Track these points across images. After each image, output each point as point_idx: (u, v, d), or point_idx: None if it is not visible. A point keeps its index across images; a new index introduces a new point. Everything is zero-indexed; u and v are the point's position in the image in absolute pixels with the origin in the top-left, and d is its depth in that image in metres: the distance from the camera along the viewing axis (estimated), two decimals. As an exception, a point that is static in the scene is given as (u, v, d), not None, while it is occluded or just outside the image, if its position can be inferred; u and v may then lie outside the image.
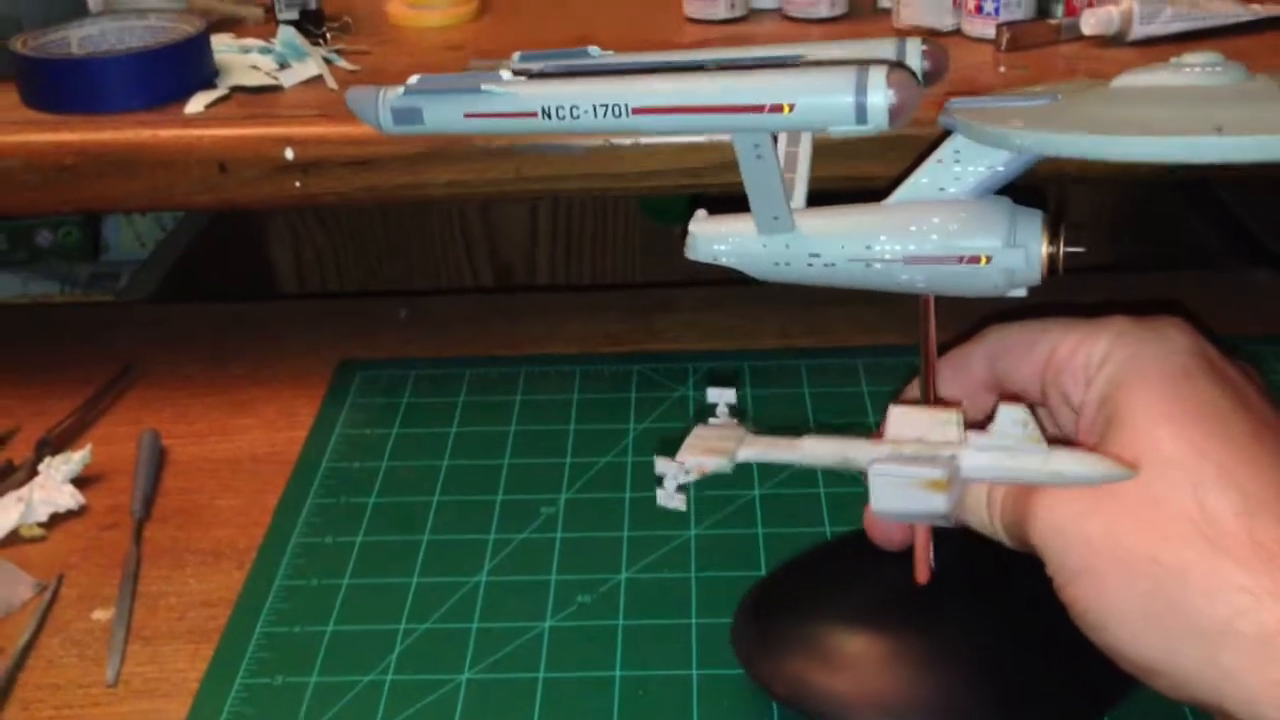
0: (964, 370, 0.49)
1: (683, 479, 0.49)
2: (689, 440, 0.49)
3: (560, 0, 0.92)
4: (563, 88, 0.44)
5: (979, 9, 0.76)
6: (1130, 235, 1.37)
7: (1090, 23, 0.73)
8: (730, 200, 0.48)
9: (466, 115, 0.45)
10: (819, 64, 0.44)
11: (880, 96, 0.39)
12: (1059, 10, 0.77)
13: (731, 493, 0.64)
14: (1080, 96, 0.43)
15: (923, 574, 0.50)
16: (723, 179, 0.67)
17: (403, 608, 0.58)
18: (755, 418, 0.71)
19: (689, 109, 0.42)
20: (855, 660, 0.50)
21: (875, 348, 0.77)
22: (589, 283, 1.44)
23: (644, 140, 0.67)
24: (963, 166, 0.44)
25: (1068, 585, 0.41)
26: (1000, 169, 0.44)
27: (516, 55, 0.50)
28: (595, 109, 0.43)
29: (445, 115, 0.45)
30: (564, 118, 0.43)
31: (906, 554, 0.51)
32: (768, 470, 0.66)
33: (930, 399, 0.49)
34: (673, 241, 1.63)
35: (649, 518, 0.63)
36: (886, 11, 0.81)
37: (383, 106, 0.46)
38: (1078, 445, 0.43)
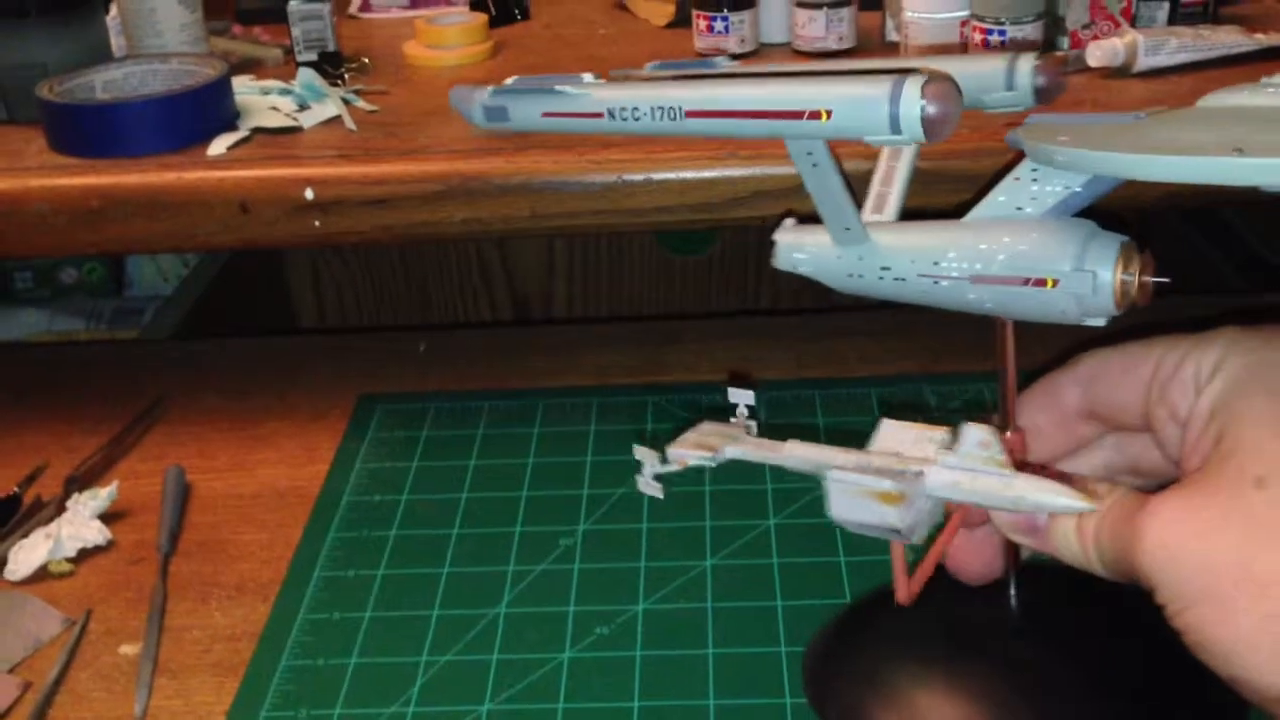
0: (1053, 397, 0.47)
1: (660, 469, 0.49)
2: (688, 434, 0.49)
3: (571, 39, 0.94)
4: (627, 91, 0.46)
5: (985, 42, 0.77)
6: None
7: (1095, 55, 0.74)
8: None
9: (544, 114, 0.49)
10: (864, 73, 0.43)
11: (914, 107, 0.39)
12: (1065, 43, 0.78)
13: (747, 523, 0.65)
14: (1163, 118, 0.41)
15: (901, 594, 0.47)
16: (733, 214, 0.68)
17: (424, 640, 0.59)
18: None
19: (737, 114, 0.43)
20: (928, 706, 0.48)
21: (889, 378, 0.77)
22: (605, 314, 1.45)
23: (656, 176, 0.68)
24: (1040, 186, 0.42)
25: (1185, 612, 0.38)
26: (1078, 189, 0.42)
27: (649, 65, 0.53)
28: (653, 111, 0.45)
29: (527, 114, 0.50)
30: (626, 119, 0.46)
31: (989, 589, 0.49)
32: (783, 500, 0.66)
33: (1009, 427, 0.47)
34: (688, 272, 1.64)
35: (666, 548, 0.64)
36: (895, 45, 0.83)
37: (477, 105, 0.50)
38: (1047, 470, 0.43)
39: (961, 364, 0.78)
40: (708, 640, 0.58)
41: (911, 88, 0.39)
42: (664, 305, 1.44)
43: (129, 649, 0.60)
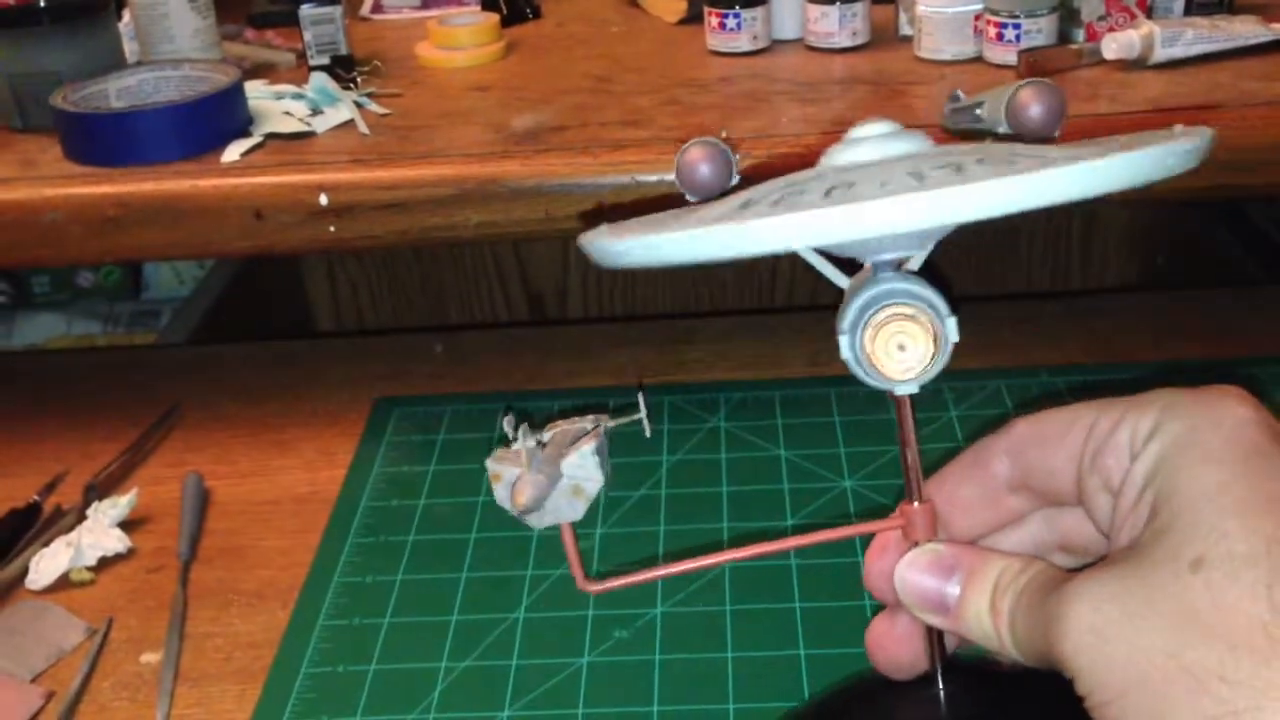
0: (981, 468, 0.43)
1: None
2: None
3: (584, 38, 0.94)
4: None
5: (1000, 36, 0.76)
6: (1163, 252, 1.37)
7: (1112, 47, 0.74)
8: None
9: None
10: None
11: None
12: (1080, 35, 0.78)
13: (765, 525, 0.65)
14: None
15: (577, 580, 0.44)
16: (749, 214, 0.68)
17: (443, 645, 0.59)
18: (786, 447, 0.72)
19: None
20: None
21: (905, 374, 0.77)
22: (620, 309, 1.45)
23: (669, 176, 0.68)
24: None
25: (1109, 705, 0.34)
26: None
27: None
28: None
29: None
30: None
31: (917, 692, 0.44)
32: (800, 502, 0.66)
33: (913, 500, 0.42)
34: (701, 266, 1.63)
35: (684, 550, 0.64)
36: (909, 40, 0.82)
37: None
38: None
39: (979, 360, 0.78)
40: (727, 644, 0.58)
41: None
42: (678, 299, 1.44)
43: (150, 657, 0.60)
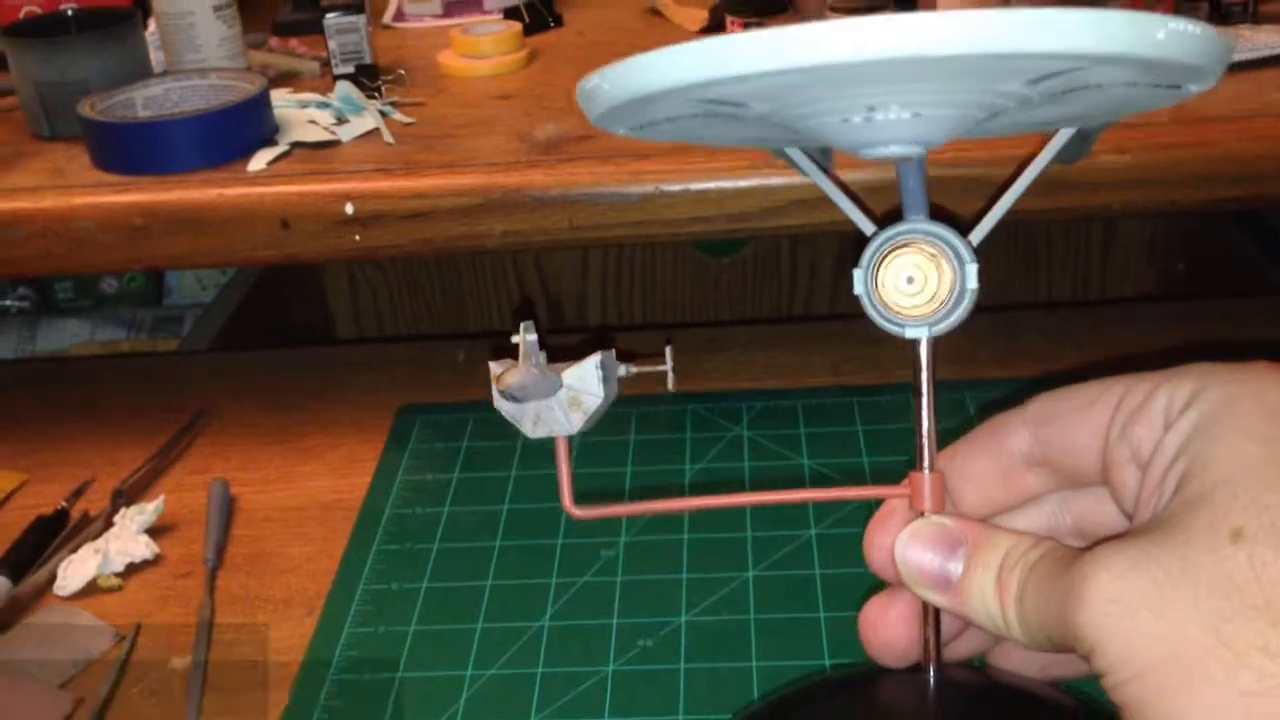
0: (998, 439, 0.41)
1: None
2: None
3: (606, 44, 0.94)
4: None
5: (1023, 46, 0.76)
6: (1183, 260, 1.36)
7: (1135, 57, 0.74)
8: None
9: None
10: None
11: None
12: (1103, 44, 0.78)
13: (788, 534, 0.65)
14: None
15: (564, 500, 0.43)
16: (770, 223, 0.68)
17: (469, 653, 0.59)
18: (809, 456, 0.72)
19: None
20: None
21: (928, 383, 0.77)
22: (639, 316, 1.45)
23: (693, 186, 0.68)
24: None
25: (1131, 682, 0.32)
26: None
27: None
28: None
29: None
30: None
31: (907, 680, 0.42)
32: (824, 511, 0.66)
33: (923, 467, 0.40)
34: (722, 274, 1.63)
35: (707, 560, 0.64)
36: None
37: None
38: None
39: (1000, 369, 0.78)
40: (751, 652, 0.58)
41: None
42: (698, 307, 1.44)
43: (178, 663, 0.60)
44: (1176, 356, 0.38)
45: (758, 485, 0.70)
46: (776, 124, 0.36)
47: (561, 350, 0.43)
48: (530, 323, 0.41)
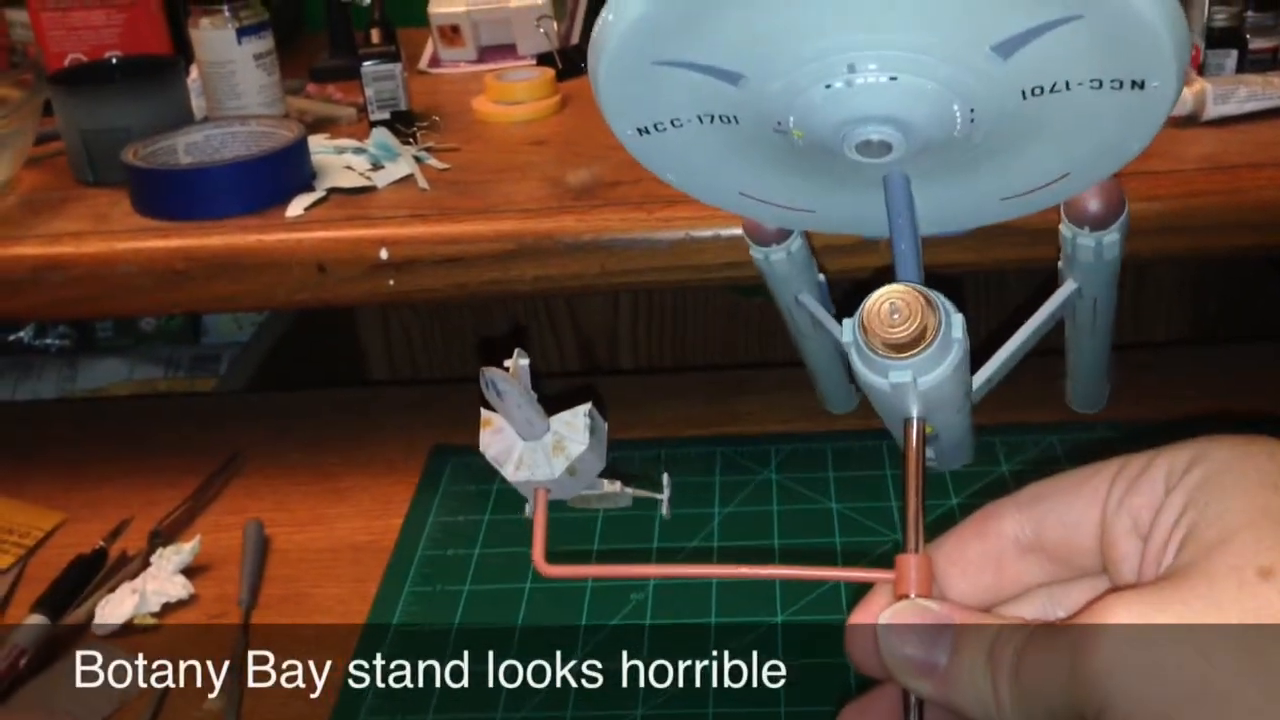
0: (990, 524, 0.39)
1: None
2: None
3: (639, 91, 0.95)
4: None
5: (1051, 93, 0.77)
6: (1214, 303, 1.36)
7: (1163, 104, 0.74)
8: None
9: None
10: None
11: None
12: (1132, 91, 0.78)
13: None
14: None
15: (535, 554, 0.42)
16: (802, 270, 0.69)
17: (499, 697, 0.59)
18: (837, 500, 0.72)
19: None
20: None
21: (957, 427, 0.77)
22: (670, 357, 1.46)
23: (724, 232, 0.69)
24: None
25: None
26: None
27: None
28: None
29: None
30: None
31: None
32: (852, 556, 0.67)
33: (909, 549, 0.39)
34: (753, 313, 1.63)
35: (736, 603, 0.64)
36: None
37: None
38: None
39: (1031, 415, 0.78)
40: (780, 698, 0.58)
41: None
42: (729, 348, 1.45)
43: (213, 704, 0.61)
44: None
45: (785, 527, 0.70)
46: (768, 118, 0.37)
47: (551, 400, 0.44)
48: (522, 349, 0.42)
